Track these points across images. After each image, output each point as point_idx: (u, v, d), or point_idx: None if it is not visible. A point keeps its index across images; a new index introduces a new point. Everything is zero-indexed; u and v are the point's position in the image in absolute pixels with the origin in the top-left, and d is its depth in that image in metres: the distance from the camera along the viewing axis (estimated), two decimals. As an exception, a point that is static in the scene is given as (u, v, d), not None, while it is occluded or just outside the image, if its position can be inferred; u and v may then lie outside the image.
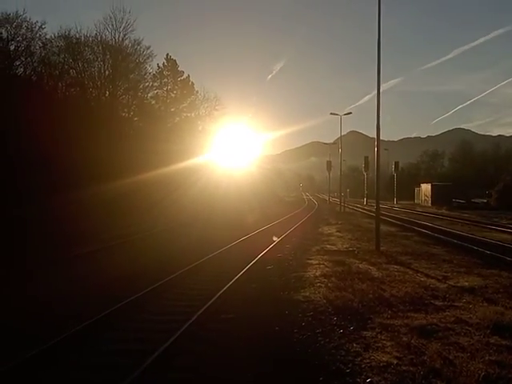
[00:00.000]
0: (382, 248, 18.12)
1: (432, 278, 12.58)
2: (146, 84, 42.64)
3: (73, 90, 34.05)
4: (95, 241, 18.17)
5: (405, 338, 7.46)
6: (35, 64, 30.70)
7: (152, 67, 43.56)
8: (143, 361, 6.11)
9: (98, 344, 7.25)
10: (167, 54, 47.37)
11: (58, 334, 7.05)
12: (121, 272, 12.72)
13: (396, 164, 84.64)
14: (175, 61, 47.48)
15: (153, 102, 44.92)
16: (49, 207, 18.83)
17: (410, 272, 13.45)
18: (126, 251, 17.02)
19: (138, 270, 12.95)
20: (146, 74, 41.53)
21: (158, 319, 8.60)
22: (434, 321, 8.43)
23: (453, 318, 8.60)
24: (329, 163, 65.87)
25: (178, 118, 46.90)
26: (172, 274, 11.84)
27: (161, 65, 46.38)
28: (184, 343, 7.18)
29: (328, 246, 19.53)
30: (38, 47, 30.84)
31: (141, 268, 13.33)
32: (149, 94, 44.04)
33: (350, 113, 57.04)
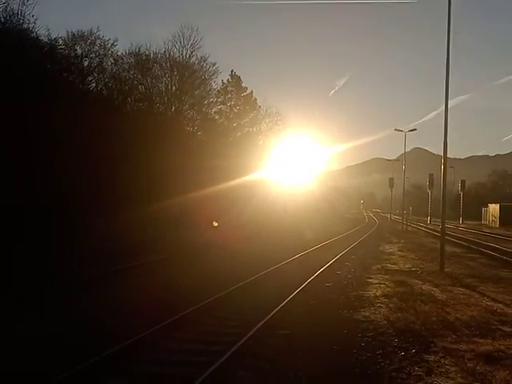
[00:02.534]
0: (446, 269, 17.55)
1: (499, 302, 12.05)
2: (211, 100, 43.50)
3: (141, 104, 35.30)
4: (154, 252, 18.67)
5: (470, 364, 7.19)
6: (106, 80, 32.09)
7: (217, 83, 44.44)
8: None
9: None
10: (232, 71, 48.23)
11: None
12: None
13: (462, 182, 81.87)
14: (239, 77, 48.27)
15: (216, 117, 45.76)
16: (115, 222, 19.48)
17: (476, 295, 12.94)
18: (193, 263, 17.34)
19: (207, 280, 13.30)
20: (210, 89, 42.41)
21: (216, 331, 8.75)
22: (502, 347, 8.07)
23: (522, 346, 8.20)
24: (391, 180, 64.54)
25: (239, 133, 47.49)
26: (228, 288, 11.98)
27: (225, 81, 47.27)
28: (240, 358, 7.24)
29: (389, 265, 19.13)
30: (109, 63, 32.24)
31: (209, 279, 13.70)
32: (213, 110, 44.90)
33: (415, 129, 55.97)
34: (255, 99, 48.99)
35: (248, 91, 48.49)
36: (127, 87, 33.52)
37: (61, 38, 28.84)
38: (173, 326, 8.61)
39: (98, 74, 31.50)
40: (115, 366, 6.70)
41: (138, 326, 8.08)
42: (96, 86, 31.75)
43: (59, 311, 9.81)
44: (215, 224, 27.79)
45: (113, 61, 32.49)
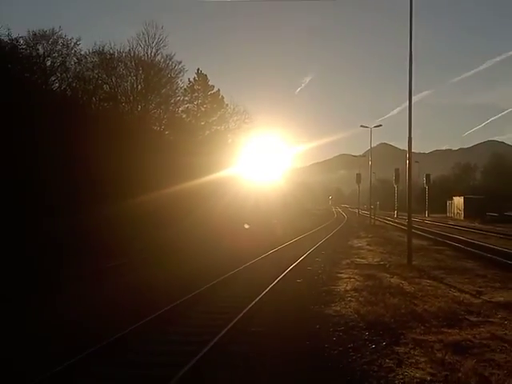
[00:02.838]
0: (413, 262, 17.87)
1: (466, 292, 12.34)
2: (178, 98, 43.21)
3: (106, 104, 34.76)
4: (125, 253, 18.34)
5: (439, 354, 7.34)
6: (70, 79, 31.49)
7: (183, 82, 44.17)
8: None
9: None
10: (198, 69, 48.02)
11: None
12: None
13: (427, 176, 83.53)
14: (206, 75, 48.09)
15: (183, 115, 45.48)
16: (79, 221, 19.19)
17: (443, 287, 13.22)
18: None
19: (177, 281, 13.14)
20: (177, 88, 42.12)
21: (190, 331, 8.72)
22: (469, 337, 8.27)
23: (488, 334, 8.42)
24: (358, 175, 65.33)
25: (207, 132, 47.33)
26: (201, 287, 11.92)
27: (192, 79, 47.05)
28: (213, 357, 7.22)
29: (358, 260, 19.38)
30: (73, 63, 31.61)
31: (179, 279, 13.56)
32: (180, 108, 44.62)
33: (380, 125, 56.95)
34: (222, 97, 48.93)
35: (215, 89, 48.38)
36: (92, 87, 32.96)
37: (22, 37, 28.17)
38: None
39: (62, 74, 30.89)
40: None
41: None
42: (59, 86, 31.14)
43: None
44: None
45: (76, 60, 31.91)
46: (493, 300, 11.42)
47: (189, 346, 7.71)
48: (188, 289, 11.55)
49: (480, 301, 11.36)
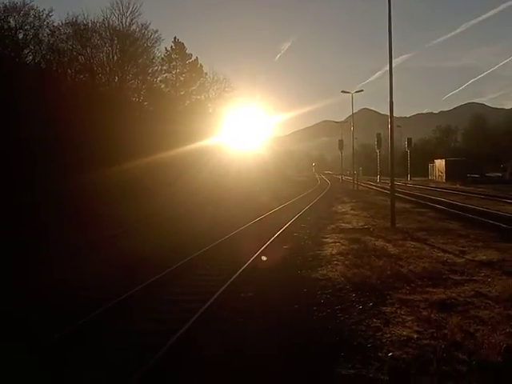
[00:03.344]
0: (397, 225, 18.07)
1: (449, 252, 12.53)
2: (155, 68, 42.53)
3: (82, 76, 34.03)
4: (115, 225, 18.23)
5: (424, 313, 7.47)
6: (44, 52, 30.70)
7: (160, 51, 43.44)
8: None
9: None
10: (175, 38, 47.21)
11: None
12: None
13: (409, 140, 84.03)
14: (183, 44, 47.31)
15: (162, 85, 44.86)
16: (61, 191, 18.99)
17: (427, 248, 13.41)
18: (145, 234, 17.10)
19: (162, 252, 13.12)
20: (154, 58, 41.41)
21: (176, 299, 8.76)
22: (453, 295, 8.42)
23: (472, 292, 8.59)
24: (341, 142, 65.46)
25: (188, 101, 46.81)
26: (189, 256, 11.94)
27: (169, 48, 46.23)
28: (203, 321, 7.30)
29: (343, 225, 19.51)
30: (46, 35, 30.81)
31: (164, 250, 13.51)
32: (158, 78, 43.97)
33: (362, 90, 56.79)
34: (201, 66, 48.27)
35: (193, 58, 47.64)
36: (66, 59, 32.21)
37: (-8, 10, 27.25)
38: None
39: (35, 47, 30.10)
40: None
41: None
42: (33, 59, 30.35)
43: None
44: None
45: (49, 32, 31.08)
46: (476, 259, 11.62)
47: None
48: (182, 254, 11.94)
49: (463, 260, 11.55)
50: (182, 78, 47.07)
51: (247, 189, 38.34)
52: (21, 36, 29.13)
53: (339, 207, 28.47)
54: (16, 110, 19.87)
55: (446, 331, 6.62)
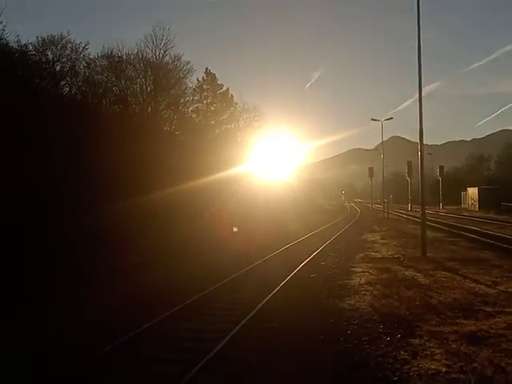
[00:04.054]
0: (428, 254, 17.77)
1: (481, 283, 12.24)
2: (187, 98, 43.23)
3: (116, 106, 34.93)
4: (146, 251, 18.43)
5: (454, 345, 7.30)
6: (80, 83, 31.63)
7: (192, 82, 44.21)
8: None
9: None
10: (206, 68, 48.06)
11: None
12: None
13: (441, 168, 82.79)
14: (214, 74, 48.15)
15: (193, 115, 45.54)
16: (92, 221, 19.32)
17: (458, 278, 13.13)
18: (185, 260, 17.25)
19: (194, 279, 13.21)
20: (186, 88, 42.13)
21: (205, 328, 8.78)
22: (484, 327, 8.21)
23: (504, 324, 8.36)
24: (371, 169, 64.96)
25: (217, 130, 47.37)
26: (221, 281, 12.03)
27: (200, 79, 47.12)
28: (229, 351, 7.28)
29: (372, 254, 19.30)
30: (82, 67, 31.72)
31: (194, 276, 13.63)
32: (189, 108, 44.66)
33: (391, 118, 56.66)
34: (232, 96, 48.89)
35: (224, 88, 48.39)
36: (101, 90, 33.10)
37: (31, 43, 28.30)
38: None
39: (71, 78, 31.02)
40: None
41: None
42: (69, 91, 31.29)
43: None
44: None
45: (85, 64, 32.01)
46: (509, 290, 11.32)
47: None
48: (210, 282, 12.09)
49: (496, 291, 11.27)
50: (212, 108, 47.82)
51: (275, 217, 38.28)
52: (58, 68, 30.10)
53: (369, 236, 28.19)
54: (52, 140, 20.49)
55: (476, 365, 6.45)
